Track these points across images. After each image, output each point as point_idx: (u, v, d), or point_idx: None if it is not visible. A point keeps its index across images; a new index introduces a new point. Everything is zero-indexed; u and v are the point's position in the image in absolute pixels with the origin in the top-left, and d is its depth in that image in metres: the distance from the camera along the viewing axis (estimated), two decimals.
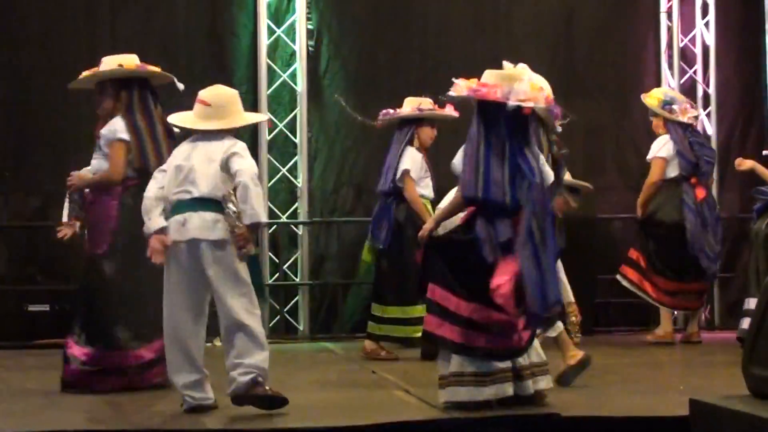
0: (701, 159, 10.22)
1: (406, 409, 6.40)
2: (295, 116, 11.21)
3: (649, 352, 9.61)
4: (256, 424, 5.90)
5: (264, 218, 6.25)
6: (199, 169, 6.28)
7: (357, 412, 6.20)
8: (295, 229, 11.23)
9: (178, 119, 6.57)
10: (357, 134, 11.16)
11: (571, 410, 6.09)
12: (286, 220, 11.10)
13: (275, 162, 11.13)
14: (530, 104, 6.23)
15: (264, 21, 11.11)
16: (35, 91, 10.73)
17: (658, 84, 11.75)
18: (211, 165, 6.27)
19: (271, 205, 10.95)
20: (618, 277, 10.33)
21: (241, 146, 6.33)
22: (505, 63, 6.65)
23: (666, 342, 10.11)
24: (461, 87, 6.33)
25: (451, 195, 6.89)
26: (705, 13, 12.00)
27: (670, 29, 11.96)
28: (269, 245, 11.04)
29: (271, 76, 11.16)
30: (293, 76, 11.22)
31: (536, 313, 6.03)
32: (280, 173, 11.12)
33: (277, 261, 11.04)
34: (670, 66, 11.92)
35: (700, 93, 11.93)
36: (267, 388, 6.15)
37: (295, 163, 11.19)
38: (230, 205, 6.17)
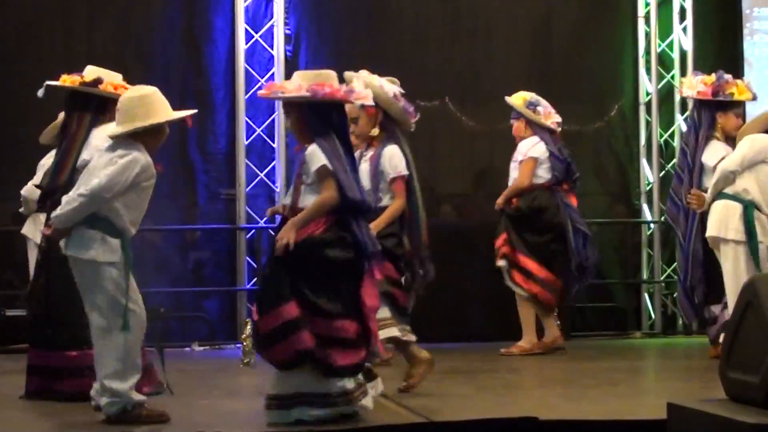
0: (572, 164, 9.83)
1: (384, 414, 6.38)
2: (273, 121, 11.19)
3: (626, 356, 9.61)
4: (228, 430, 5.87)
5: (59, 225, 5.83)
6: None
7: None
8: (273, 233, 11.19)
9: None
10: None
11: (548, 414, 6.09)
12: (264, 225, 11.07)
13: (253, 167, 11.10)
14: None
15: (242, 26, 11.10)
16: (11, 96, 10.68)
17: (636, 89, 11.79)
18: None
19: (250, 210, 10.96)
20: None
21: (127, 159, 5.86)
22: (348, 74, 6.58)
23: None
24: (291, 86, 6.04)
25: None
26: (683, 18, 12.03)
27: (647, 34, 11.98)
28: (248, 250, 11.01)
29: (249, 81, 11.14)
30: (271, 80, 11.20)
31: None
32: (258, 178, 11.10)
33: (255, 266, 11.02)
34: (648, 71, 11.94)
35: (677, 98, 11.95)
36: (142, 412, 5.93)
37: (273, 167, 11.18)
38: None
